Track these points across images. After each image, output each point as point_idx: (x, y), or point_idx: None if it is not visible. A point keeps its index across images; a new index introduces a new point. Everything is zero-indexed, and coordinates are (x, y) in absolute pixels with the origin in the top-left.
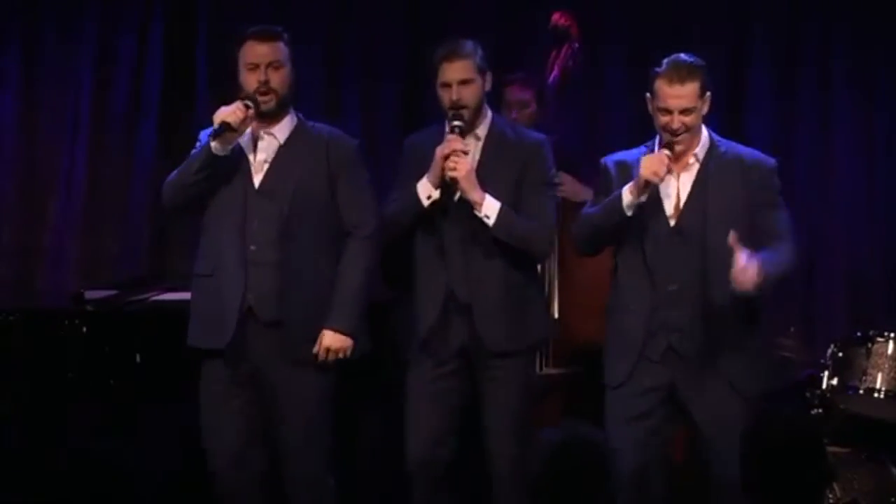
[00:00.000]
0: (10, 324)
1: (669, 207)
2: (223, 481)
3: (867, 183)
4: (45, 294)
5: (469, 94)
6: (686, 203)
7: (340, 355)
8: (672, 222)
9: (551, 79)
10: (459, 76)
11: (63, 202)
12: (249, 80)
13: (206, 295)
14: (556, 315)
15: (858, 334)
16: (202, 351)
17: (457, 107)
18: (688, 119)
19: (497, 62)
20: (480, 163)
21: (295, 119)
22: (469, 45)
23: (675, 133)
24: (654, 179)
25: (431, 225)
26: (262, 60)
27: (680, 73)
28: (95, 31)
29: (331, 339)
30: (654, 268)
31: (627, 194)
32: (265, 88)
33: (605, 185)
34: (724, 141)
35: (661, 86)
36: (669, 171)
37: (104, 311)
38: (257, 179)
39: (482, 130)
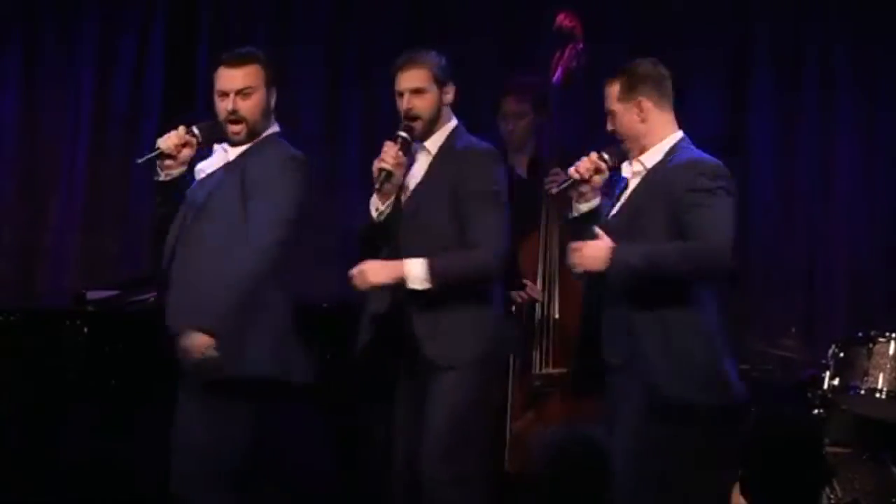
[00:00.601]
0: (10, 324)
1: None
2: None
3: (868, 183)
4: (46, 294)
5: (422, 105)
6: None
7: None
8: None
9: (555, 79)
10: (412, 84)
11: (64, 202)
12: (219, 108)
13: None
14: (557, 315)
15: (860, 334)
16: None
17: (409, 117)
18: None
19: (499, 62)
20: (425, 177)
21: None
22: (428, 54)
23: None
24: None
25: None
26: (231, 88)
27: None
28: (96, 31)
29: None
30: None
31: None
32: (234, 118)
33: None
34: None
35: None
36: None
37: (105, 311)
38: None
39: (433, 144)
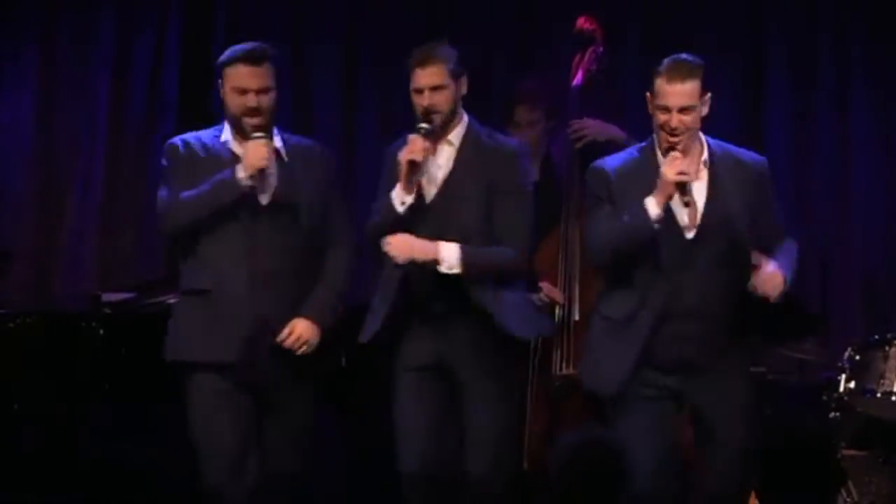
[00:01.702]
0: (27, 325)
1: (684, 217)
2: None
3: (884, 184)
4: (63, 296)
5: (442, 100)
6: (706, 212)
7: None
8: (690, 234)
9: (575, 82)
10: (432, 82)
11: (80, 203)
12: (235, 103)
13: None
14: (577, 317)
15: (876, 337)
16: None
17: (429, 113)
18: (687, 118)
19: (514, 61)
20: (453, 169)
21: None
22: (443, 49)
23: (673, 132)
24: (685, 179)
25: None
26: (251, 86)
27: (680, 71)
28: (112, 31)
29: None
30: (671, 279)
31: (654, 206)
32: (255, 112)
33: (608, 193)
34: (714, 142)
35: (662, 84)
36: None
37: (121, 313)
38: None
39: (456, 136)
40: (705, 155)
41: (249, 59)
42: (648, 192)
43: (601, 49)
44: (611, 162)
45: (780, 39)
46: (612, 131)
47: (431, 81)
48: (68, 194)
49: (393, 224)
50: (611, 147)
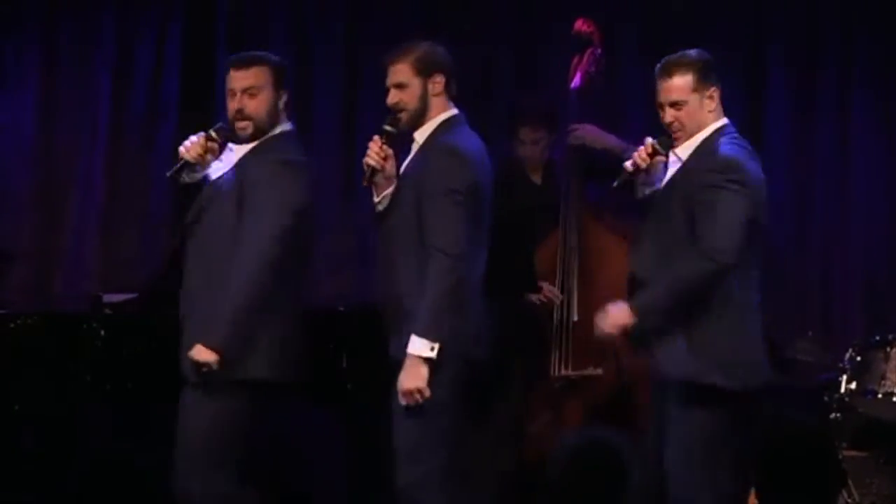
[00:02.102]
0: (28, 326)
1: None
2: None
3: (886, 185)
4: (64, 297)
5: (406, 98)
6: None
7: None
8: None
9: (574, 84)
10: (396, 79)
11: (82, 204)
12: (229, 108)
13: None
14: (576, 318)
15: (877, 338)
16: None
17: (395, 110)
18: (679, 113)
19: (516, 68)
20: (405, 172)
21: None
22: (411, 47)
23: (668, 127)
24: (628, 168)
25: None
26: (237, 87)
27: (666, 67)
28: (113, 32)
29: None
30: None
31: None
32: (240, 116)
33: None
34: (725, 141)
35: (656, 81)
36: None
37: (122, 314)
38: None
39: (421, 135)
40: (689, 151)
41: (236, 62)
42: None
43: (599, 51)
44: None
45: (780, 39)
46: (609, 141)
47: (395, 79)
48: (69, 195)
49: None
50: (607, 156)
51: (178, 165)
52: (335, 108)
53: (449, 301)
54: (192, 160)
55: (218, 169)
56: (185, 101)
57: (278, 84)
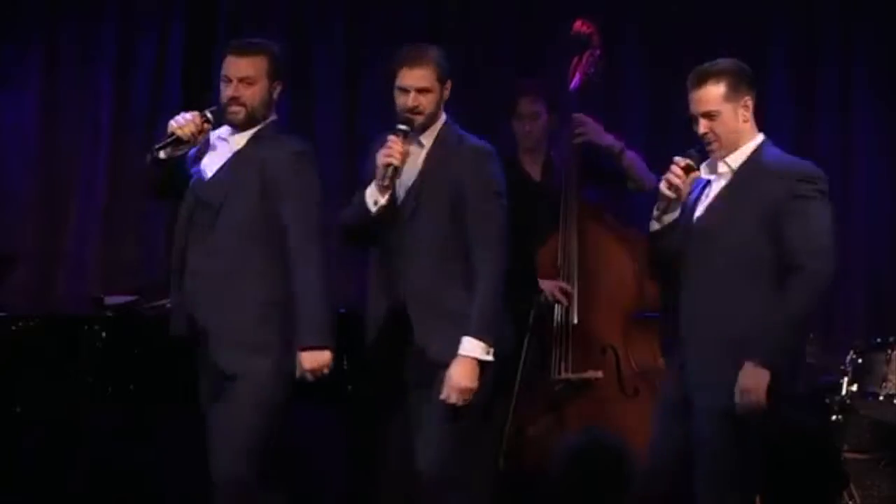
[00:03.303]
0: (29, 328)
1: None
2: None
3: (888, 186)
4: (65, 299)
5: (426, 103)
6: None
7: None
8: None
9: (573, 85)
10: (419, 83)
11: (84, 206)
12: (222, 93)
13: None
14: (576, 320)
15: (878, 340)
16: None
17: (413, 112)
18: (713, 123)
19: (517, 67)
20: (422, 172)
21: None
22: (433, 52)
23: (703, 138)
24: (665, 191)
25: (383, 231)
26: (234, 75)
27: (694, 78)
28: (115, 32)
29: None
30: None
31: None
32: (235, 102)
33: None
34: (780, 152)
35: (689, 91)
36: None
37: (123, 316)
38: None
39: (428, 138)
40: (738, 162)
41: (237, 49)
42: None
43: (598, 52)
44: None
45: (781, 40)
46: (608, 140)
47: (419, 83)
48: (71, 196)
49: (362, 223)
50: (606, 156)
51: (169, 141)
52: (335, 108)
53: (498, 303)
54: (183, 137)
55: (212, 158)
56: (186, 102)
57: (275, 74)
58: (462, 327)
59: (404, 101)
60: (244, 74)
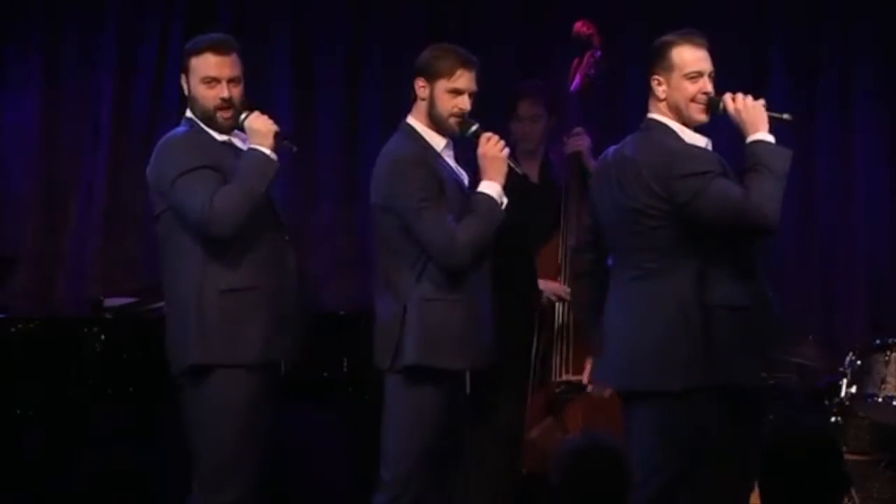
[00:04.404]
0: (29, 330)
1: None
2: None
3: (889, 185)
4: (65, 300)
5: (470, 107)
6: None
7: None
8: None
9: (573, 86)
10: (474, 87)
11: (84, 207)
12: (207, 95)
13: None
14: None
15: (877, 342)
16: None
17: (464, 116)
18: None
19: (518, 69)
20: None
21: None
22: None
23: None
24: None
25: None
26: (223, 75)
27: (700, 37)
28: (116, 34)
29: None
30: None
31: None
32: (227, 104)
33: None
34: None
35: (684, 52)
36: None
37: (123, 318)
38: None
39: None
40: None
41: (219, 48)
42: None
43: (599, 53)
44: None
45: (781, 39)
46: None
47: (474, 87)
48: (72, 198)
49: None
50: None
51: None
52: (337, 109)
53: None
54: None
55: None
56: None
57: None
58: None
59: (460, 104)
60: (233, 74)
